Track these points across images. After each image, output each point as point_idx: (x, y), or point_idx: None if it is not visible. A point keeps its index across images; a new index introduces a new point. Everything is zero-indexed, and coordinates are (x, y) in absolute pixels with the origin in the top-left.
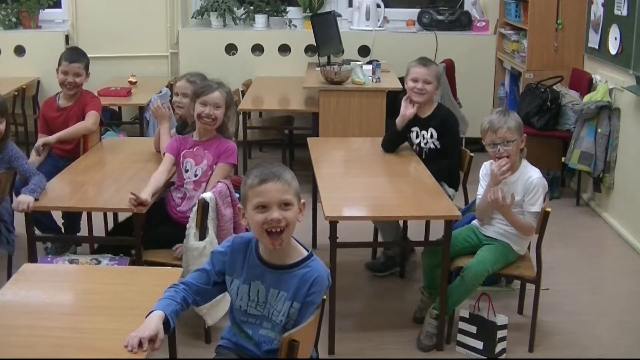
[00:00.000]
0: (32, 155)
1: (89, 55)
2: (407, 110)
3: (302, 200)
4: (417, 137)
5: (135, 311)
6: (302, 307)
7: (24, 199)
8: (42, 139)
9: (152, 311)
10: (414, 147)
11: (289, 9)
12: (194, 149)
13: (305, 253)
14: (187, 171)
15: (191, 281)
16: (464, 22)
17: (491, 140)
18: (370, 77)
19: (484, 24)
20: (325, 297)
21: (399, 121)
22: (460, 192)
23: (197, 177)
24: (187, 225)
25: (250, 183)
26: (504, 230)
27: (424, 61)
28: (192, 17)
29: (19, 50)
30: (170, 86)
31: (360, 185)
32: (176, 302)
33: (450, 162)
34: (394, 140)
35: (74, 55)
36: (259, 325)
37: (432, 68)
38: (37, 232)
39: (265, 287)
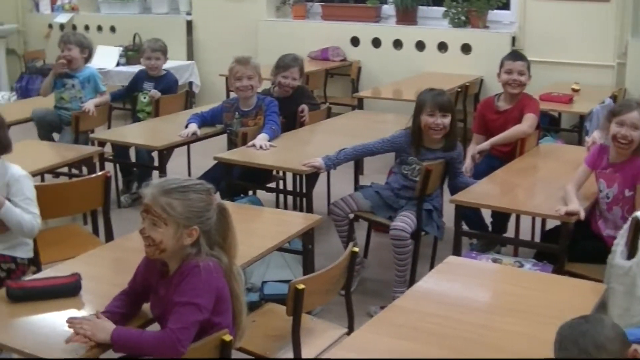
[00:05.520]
0: (467, 161)
1: (533, 59)
2: None
3: None
4: None
5: (549, 320)
6: None
7: None
8: (478, 147)
9: None
10: None
11: None
12: (607, 171)
13: None
14: (601, 191)
15: None
16: None
17: None
18: None
19: None
20: None
21: None
22: None
23: (609, 200)
24: (615, 242)
25: None
26: None
27: None
28: None
29: (466, 49)
30: (614, 97)
31: None
32: None
33: None
34: None
35: (517, 54)
36: None
37: None
38: (465, 227)
39: None
